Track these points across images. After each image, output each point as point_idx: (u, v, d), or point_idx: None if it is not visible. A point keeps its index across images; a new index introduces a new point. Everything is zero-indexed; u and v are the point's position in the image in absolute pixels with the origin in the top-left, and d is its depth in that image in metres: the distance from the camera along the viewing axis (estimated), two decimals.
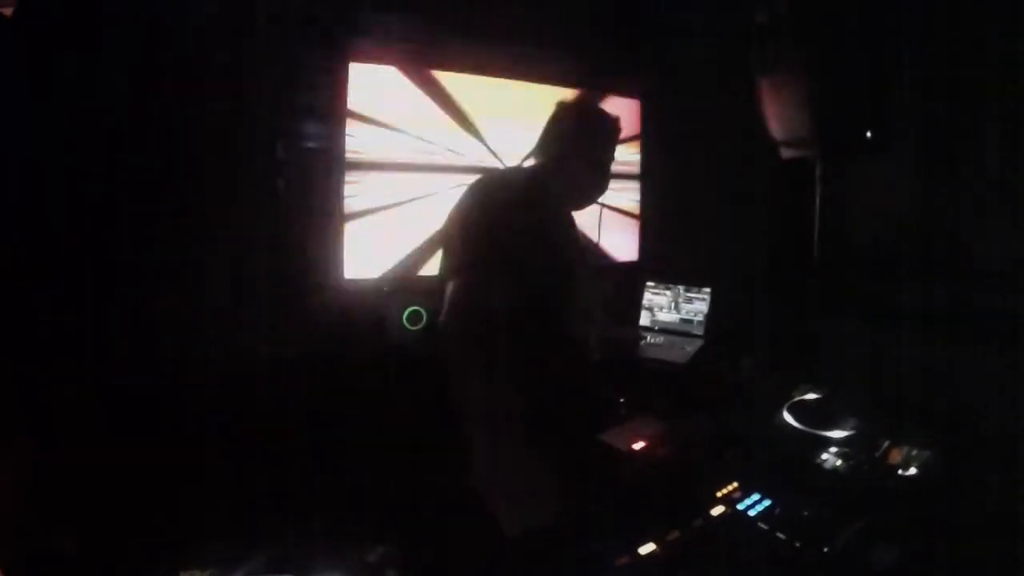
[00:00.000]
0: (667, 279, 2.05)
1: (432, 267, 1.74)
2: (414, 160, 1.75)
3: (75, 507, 1.15)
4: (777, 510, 1.01)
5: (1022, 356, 1.28)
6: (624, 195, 2.21)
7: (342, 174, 1.64)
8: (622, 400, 1.52)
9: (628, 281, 2.12)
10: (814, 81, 1.49)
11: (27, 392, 1.17)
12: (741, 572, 0.90)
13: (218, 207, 1.45)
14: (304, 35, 1.56)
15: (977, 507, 1.01)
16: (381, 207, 1.71)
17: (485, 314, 1.15)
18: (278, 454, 1.35)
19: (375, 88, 1.67)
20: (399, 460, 1.39)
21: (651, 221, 2.25)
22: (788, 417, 1.32)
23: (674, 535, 0.94)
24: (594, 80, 2.01)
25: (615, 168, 1.45)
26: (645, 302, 2.07)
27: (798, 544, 0.91)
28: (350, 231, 1.66)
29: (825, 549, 0.90)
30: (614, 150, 1.43)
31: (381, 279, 1.72)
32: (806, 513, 0.99)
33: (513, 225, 1.19)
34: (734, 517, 1.00)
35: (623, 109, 1.84)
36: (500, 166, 1.89)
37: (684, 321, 1.99)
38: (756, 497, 1.04)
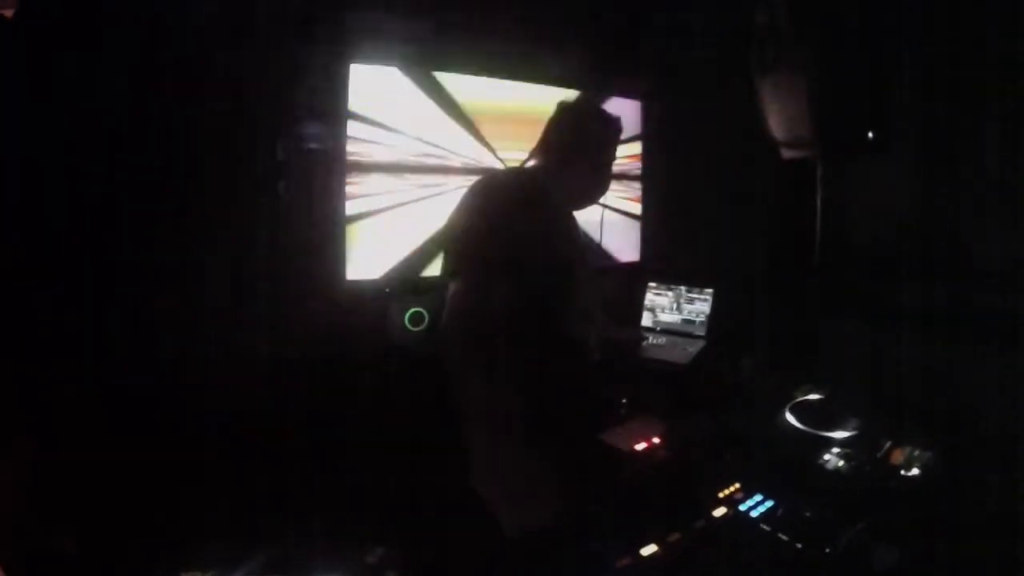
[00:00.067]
0: (669, 280, 2.05)
1: (434, 268, 1.74)
2: (415, 161, 1.75)
3: (75, 507, 1.15)
4: (779, 511, 1.01)
5: (1022, 356, 1.28)
6: (625, 196, 2.21)
7: (343, 175, 1.63)
8: (623, 400, 1.52)
9: (630, 282, 2.12)
10: (814, 81, 1.49)
11: (27, 392, 1.16)
12: (743, 573, 0.90)
13: (218, 207, 1.45)
14: (304, 35, 1.56)
15: (978, 507, 1.01)
16: (382, 208, 1.71)
17: (486, 315, 1.15)
18: (278, 454, 1.35)
19: (376, 89, 1.67)
20: (399, 460, 1.39)
21: (652, 222, 2.25)
22: (790, 417, 1.32)
23: (675, 536, 0.94)
24: (595, 81, 2.01)
25: (616, 169, 1.45)
26: (647, 303, 2.08)
27: (800, 545, 0.91)
28: (351, 232, 1.66)
29: (827, 550, 0.90)
30: (615, 151, 1.43)
31: (382, 280, 1.72)
32: (808, 514, 0.99)
33: (514, 226, 1.19)
34: (736, 518, 1.00)
35: (624, 110, 1.84)
36: (501, 167, 1.89)
37: (686, 322, 1.99)
38: (758, 498, 1.04)
